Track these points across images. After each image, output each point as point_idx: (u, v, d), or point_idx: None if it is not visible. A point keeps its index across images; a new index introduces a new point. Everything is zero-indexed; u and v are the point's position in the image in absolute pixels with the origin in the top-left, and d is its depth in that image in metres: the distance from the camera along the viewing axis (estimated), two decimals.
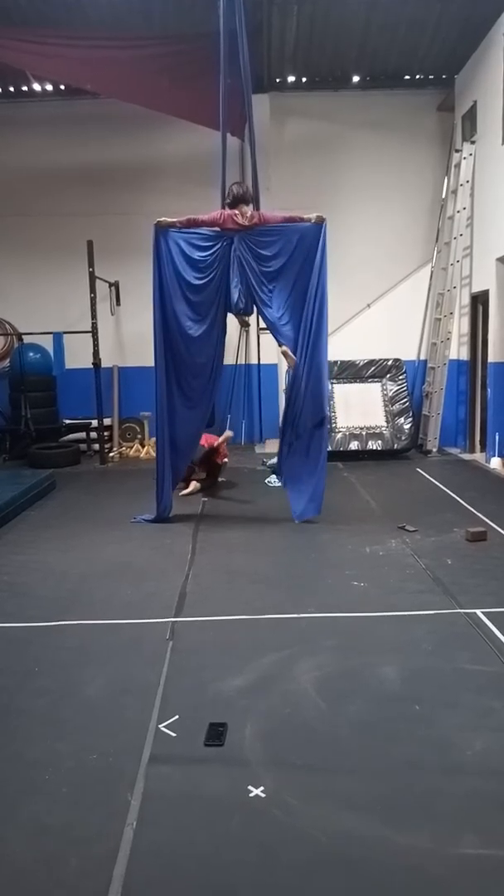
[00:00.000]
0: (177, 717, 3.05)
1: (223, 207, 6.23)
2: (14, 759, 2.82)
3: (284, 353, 6.21)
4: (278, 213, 6.27)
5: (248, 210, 6.04)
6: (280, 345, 6.22)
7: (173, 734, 2.93)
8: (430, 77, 9.98)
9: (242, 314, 6.37)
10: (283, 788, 2.57)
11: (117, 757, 2.79)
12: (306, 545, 5.61)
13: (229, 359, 9.78)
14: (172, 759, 2.77)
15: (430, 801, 2.51)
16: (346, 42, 9.06)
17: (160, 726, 2.98)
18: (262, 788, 2.56)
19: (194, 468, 7.48)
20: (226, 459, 8.01)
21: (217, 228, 6.06)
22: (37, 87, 9.82)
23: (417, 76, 9.97)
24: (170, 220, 6.12)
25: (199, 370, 6.29)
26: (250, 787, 2.57)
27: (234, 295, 6.03)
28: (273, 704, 3.16)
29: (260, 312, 6.34)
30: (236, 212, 6.02)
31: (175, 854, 2.28)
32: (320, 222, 6.10)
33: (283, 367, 9.99)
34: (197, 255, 6.09)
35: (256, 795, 2.53)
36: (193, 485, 7.48)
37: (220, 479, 7.93)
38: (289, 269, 6.07)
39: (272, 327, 6.26)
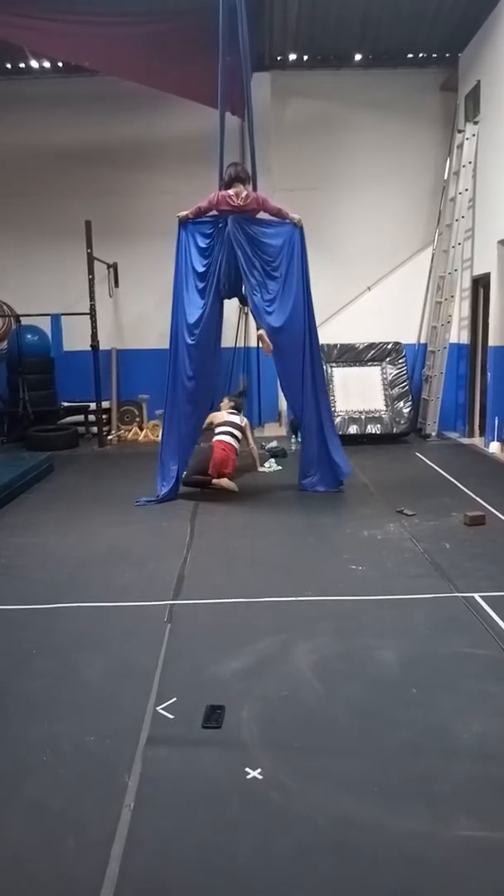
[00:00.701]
0: (174, 699, 3.05)
1: (220, 189, 6.20)
2: (12, 742, 2.82)
3: (261, 337, 6.31)
4: (272, 202, 6.23)
5: (244, 190, 6.00)
6: (258, 328, 6.30)
7: (171, 716, 2.94)
8: (434, 56, 9.83)
9: (226, 297, 6.40)
10: (281, 771, 2.58)
11: (115, 739, 2.80)
12: (304, 529, 5.61)
13: (228, 341, 9.76)
14: (170, 742, 2.78)
15: (428, 784, 2.52)
16: (348, 19, 8.90)
17: (158, 708, 2.99)
18: (259, 770, 2.57)
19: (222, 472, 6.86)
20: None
21: (214, 212, 6.06)
22: (34, 64, 9.67)
23: (420, 55, 9.81)
24: (185, 213, 6.26)
25: (199, 353, 6.31)
26: (248, 770, 2.57)
27: (221, 278, 6.16)
28: (270, 687, 3.17)
29: (246, 295, 6.37)
30: (231, 192, 5.98)
31: (172, 836, 2.29)
32: (299, 224, 6.21)
33: None
34: (202, 242, 6.21)
35: (254, 777, 2.54)
36: (226, 482, 6.80)
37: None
38: (283, 261, 6.14)
39: (256, 311, 6.35)
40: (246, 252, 5.97)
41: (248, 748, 2.72)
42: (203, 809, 2.40)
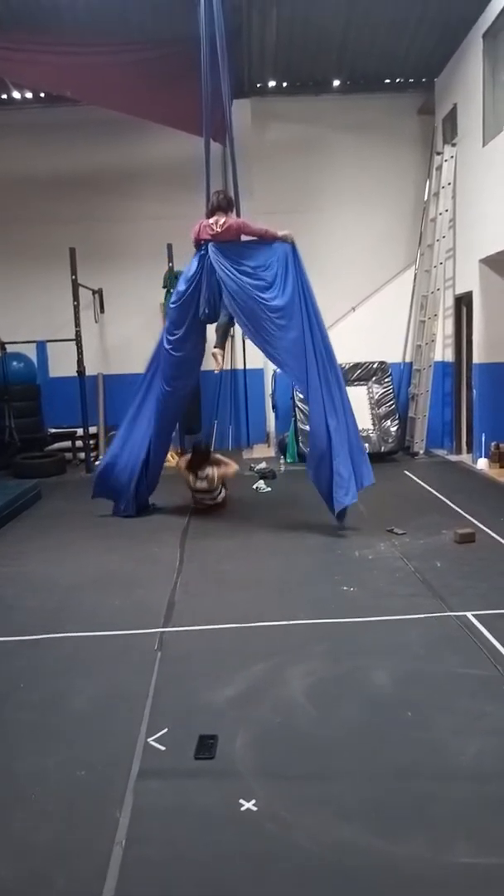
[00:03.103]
0: (166, 729, 2.99)
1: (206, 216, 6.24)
2: (0, 775, 2.75)
3: (214, 355, 6.38)
4: (255, 225, 6.22)
5: (222, 217, 6.02)
6: (214, 346, 6.41)
7: (162, 747, 2.88)
8: (411, 80, 10.04)
9: (205, 321, 6.43)
10: (276, 800, 2.52)
11: (106, 771, 2.73)
12: (295, 551, 5.57)
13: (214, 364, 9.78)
14: (162, 774, 2.72)
15: (424, 807, 2.47)
16: (325, 46, 9.09)
17: (149, 740, 2.92)
18: (253, 801, 2.51)
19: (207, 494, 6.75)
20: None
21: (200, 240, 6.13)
22: (16, 94, 9.76)
23: (398, 80, 10.03)
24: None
25: (175, 375, 6.46)
26: (242, 801, 2.52)
27: (201, 304, 6.19)
28: (264, 714, 3.12)
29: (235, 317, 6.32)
30: (210, 221, 6.04)
31: (166, 872, 2.23)
32: (289, 240, 6.12)
33: (269, 371, 10.03)
34: (188, 272, 6.30)
35: (248, 809, 2.48)
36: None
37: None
38: (277, 276, 6.03)
39: (255, 327, 6.21)
40: (230, 275, 5.96)
41: (242, 778, 2.66)
42: (197, 844, 2.34)
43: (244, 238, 6.14)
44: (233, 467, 6.95)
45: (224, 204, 6.14)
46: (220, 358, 6.45)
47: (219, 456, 7.14)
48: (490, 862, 2.22)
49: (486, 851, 2.26)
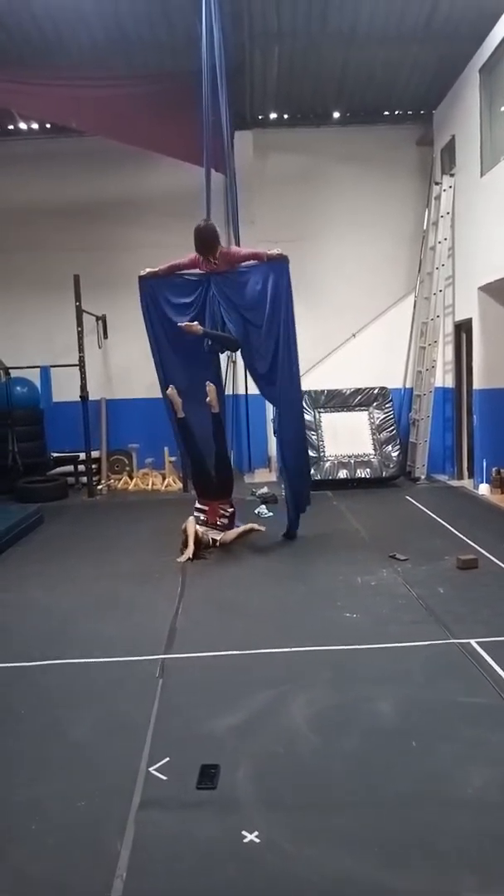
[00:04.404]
0: (167, 759, 2.96)
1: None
2: None
3: (209, 392, 6.26)
4: (245, 250, 6.25)
5: (217, 251, 6.02)
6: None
7: (164, 777, 2.85)
8: (409, 112, 10.24)
9: (214, 351, 6.46)
10: (278, 832, 2.49)
11: (106, 802, 2.70)
12: (297, 576, 5.55)
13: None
14: (163, 804, 2.69)
15: (428, 839, 2.44)
16: (325, 80, 9.30)
17: (150, 769, 2.89)
18: (256, 833, 2.48)
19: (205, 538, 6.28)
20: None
21: (197, 270, 6.15)
22: (23, 125, 9.96)
23: (396, 112, 10.23)
24: (152, 269, 6.28)
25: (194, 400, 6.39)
26: (244, 833, 2.48)
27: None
28: (266, 743, 3.08)
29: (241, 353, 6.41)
30: (208, 256, 6.06)
31: None
32: (281, 259, 6.07)
33: None
34: (180, 300, 6.25)
35: (251, 841, 2.45)
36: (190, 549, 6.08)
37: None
38: (265, 307, 6.06)
39: (245, 363, 6.41)
40: (228, 308, 6.02)
41: (244, 809, 2.63)
42: (199, 877, 2.30)
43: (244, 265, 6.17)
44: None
45: (210, 240, 6.00)
46: (213, 393, 6.30)
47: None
48: None
49: (491, 885, 2.22)
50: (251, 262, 6.16)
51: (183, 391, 6.33)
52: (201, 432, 6.37)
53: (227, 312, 6.04)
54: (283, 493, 6.79)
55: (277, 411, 6.41)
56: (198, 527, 6.25)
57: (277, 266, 6.09)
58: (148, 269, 6.30)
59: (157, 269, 6.27)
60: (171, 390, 6.25)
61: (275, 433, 10.33)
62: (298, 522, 6.63)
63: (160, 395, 6.54)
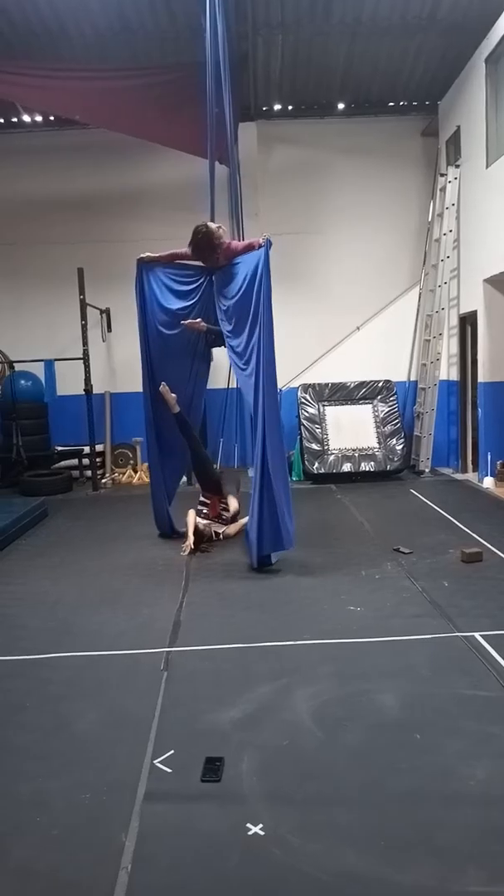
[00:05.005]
0: (172, 751, 2.97)
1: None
2: (2, 799, 2.73)
3: (163, 392, 6.14)
4: (239, 244, 5.98)
5: (217, 253, 5.85)
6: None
7: (168, 770, 2.86)
8: (414, 103, 10.15)
9: (214, 346, 6.38)
10: (282, 825, 2.50)
11: (111, 795, 2.71)
12: (301, 570, 5.55)
13: (221, 383, 9.83)
14: (168, 797, 2.70)
15: (433, 833, 2.44)
16: (329, 71, 9.23)
17: (155, 762, 2.90)
18: (260, 826, 2.49)
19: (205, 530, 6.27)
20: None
21: (199, 263, 6.07)
22: (26, 118, 9.92)
23: (401, 102, 10.14)
24: (153, 255, 6.18)
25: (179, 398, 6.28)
26: (249, 825, 2.49)
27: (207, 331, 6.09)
28: (270, 736, 3.09)
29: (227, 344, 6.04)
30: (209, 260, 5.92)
31: None
32: (263, 244, 5.57)
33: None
34: (179, 287, 6.15)
35: (255, 833, 2.45)
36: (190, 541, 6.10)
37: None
38: (246, 298, 5.65)
39: (230, 355, 5.98)
40: (226, 304, 5.92)
41: (248, 802, 2.64)
42: (203, 869, 2.31)
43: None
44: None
45: (213, 242, 5.78)
46: (168, 393, 6.16)
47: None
48: (500, 891, 2.18)
49: (496, 880, 2.22)
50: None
51: (172, 384, 6.18)
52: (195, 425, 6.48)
53: (223, 309, 5.94)
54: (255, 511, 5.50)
55: (254, 397, 5.56)
56: (199, 520, 6.28)
57: (261, 250, 5.58)
58: (148, 254, 6.19)
59: (157, 255, 6.17)
60: (164, 387, 6.15)
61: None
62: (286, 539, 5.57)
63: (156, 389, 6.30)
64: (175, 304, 6.12)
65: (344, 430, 9.62)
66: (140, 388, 6.51)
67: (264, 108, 10.16)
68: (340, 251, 10.41)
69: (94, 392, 9.38)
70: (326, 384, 9.88)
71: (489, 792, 2.66)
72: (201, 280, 6.14)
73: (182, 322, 6.06)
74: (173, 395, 6.18)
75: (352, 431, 9.61)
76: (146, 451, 6.61)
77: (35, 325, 10.29)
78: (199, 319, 6.06)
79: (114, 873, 2.29)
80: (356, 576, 5.30)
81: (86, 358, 9.22)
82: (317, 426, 9.60)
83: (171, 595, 5.01)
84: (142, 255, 6.21)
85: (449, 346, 9.89)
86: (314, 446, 9.42)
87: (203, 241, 5.81)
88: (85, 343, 9.19)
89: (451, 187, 9.32)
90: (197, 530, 6.13)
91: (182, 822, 2.55)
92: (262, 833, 2.45)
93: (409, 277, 10.44)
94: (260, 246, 5.58)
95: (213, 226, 5.87)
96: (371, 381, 9.91)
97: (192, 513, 6.31)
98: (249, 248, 5.84)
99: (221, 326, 5.96)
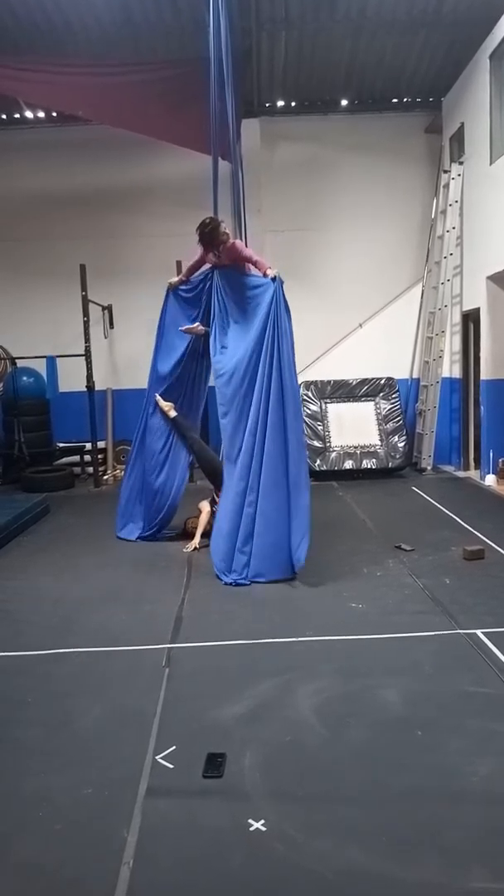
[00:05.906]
0: (174, 747, 2.97)
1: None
2: (4, 796, 2.73)
3: (157, 402, 6.33)
4: (246, 251, 5.96)
5: (222, 245, 5.83)
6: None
7: (170, 766, 2.85)
8: (418, 100, 10.12)
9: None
10: (285, 821, 2.49)
11: (113, 790, 2.71)
12: (302, 566, 5.53)
13: None
14: (170, 793, 2.69)
15: (437, 830, 2.43)
16: (333, 67, 9.20)
17: (157, 758, 2.90)
18: (262, 822, 2.48)
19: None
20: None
21: (206, 266, 6.09)
22: (29, 114, 9.90)
23: (405, 99, 10.12)
24: (176, 279, 6.37)
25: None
26: (251, 821, 2.49)
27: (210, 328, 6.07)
28: (272, 732, 3.09)
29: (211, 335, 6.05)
30: (213, 252, 5.97)
31: (174, 893, 2.20)
32: (273, 278, 5.54)
33: None
34: (188, 295, 6.26)
35: (257, 829, 2.45)
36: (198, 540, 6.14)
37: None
38: (257, 318, 5.60)
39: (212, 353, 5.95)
40: (223, 300, 5.94)
41: (250, 798, 2.63)
42: (205, 865, 2.31)
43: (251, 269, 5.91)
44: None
45: (215, 237, 5.80)
46: (162, 402, 6.35)
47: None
48: None
49: (500, 877, 2.22)
50: (253, 269, 5.90)
51: (173, 388, 6.40)
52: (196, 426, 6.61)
53: (220, 302, 5.97)
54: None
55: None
56: (204, 516, 6.27)
57: (277, 285, 5.53)
58: (173, 279, 6.39)
59: (180, 278, 6.36)
60: (158, 397, 6.36)
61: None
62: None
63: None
64: (188, 310, 6.27)
65: (346, 428, 9.61)
66: (142, 385, 6.53)
67: (267, 105, 10.14)
68: (343, 248, 10.38)
69: (96, 389, 9.37)
70: (329, 381, 9.86)
71: (493, 789, 2.65)
72: (201, 284, 6.19)
73: (180, 328, 6.21)
74: (168, 402, 6.35)
75: (354, 429, 9.59)
76: (134, 453, 6.69)
77: (37, 321, 10.28)
78: (197, 324, 6.16)
79: (116, 869, 2.28)
80: (358, 573, 5.29)
81: (88, 354, 9.21)
82: (319, 423, 9.59)
83: (173, 591, 5.01)
84: (170, 281, 6.38)
85: (451, 344, 9.86)
86: (316, 443, 9.40)
87: (208, 233, 5.85)
88: (87, 340, 9.17)
89: (454, 184, 9.29)
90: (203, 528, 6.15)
91: (184, 818, 2.54)
92: (263, 829, 2.45)
93: (411, 274, 10.42)
94: (266, 276, 5.57)
95: (221, 222, 5.94)
96: (373, 379, 9.89)
97: (205, 511, 6.27)
98: (258, 266, 5.74)
99: (212, 333, 5.96)
